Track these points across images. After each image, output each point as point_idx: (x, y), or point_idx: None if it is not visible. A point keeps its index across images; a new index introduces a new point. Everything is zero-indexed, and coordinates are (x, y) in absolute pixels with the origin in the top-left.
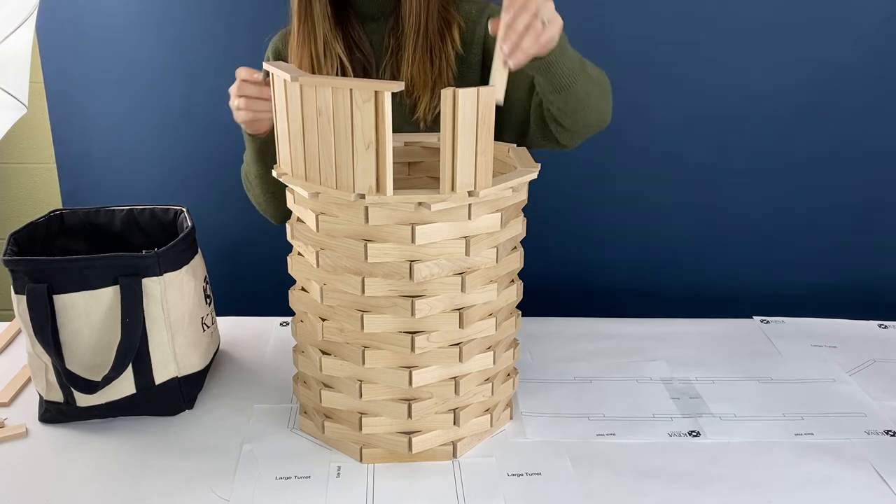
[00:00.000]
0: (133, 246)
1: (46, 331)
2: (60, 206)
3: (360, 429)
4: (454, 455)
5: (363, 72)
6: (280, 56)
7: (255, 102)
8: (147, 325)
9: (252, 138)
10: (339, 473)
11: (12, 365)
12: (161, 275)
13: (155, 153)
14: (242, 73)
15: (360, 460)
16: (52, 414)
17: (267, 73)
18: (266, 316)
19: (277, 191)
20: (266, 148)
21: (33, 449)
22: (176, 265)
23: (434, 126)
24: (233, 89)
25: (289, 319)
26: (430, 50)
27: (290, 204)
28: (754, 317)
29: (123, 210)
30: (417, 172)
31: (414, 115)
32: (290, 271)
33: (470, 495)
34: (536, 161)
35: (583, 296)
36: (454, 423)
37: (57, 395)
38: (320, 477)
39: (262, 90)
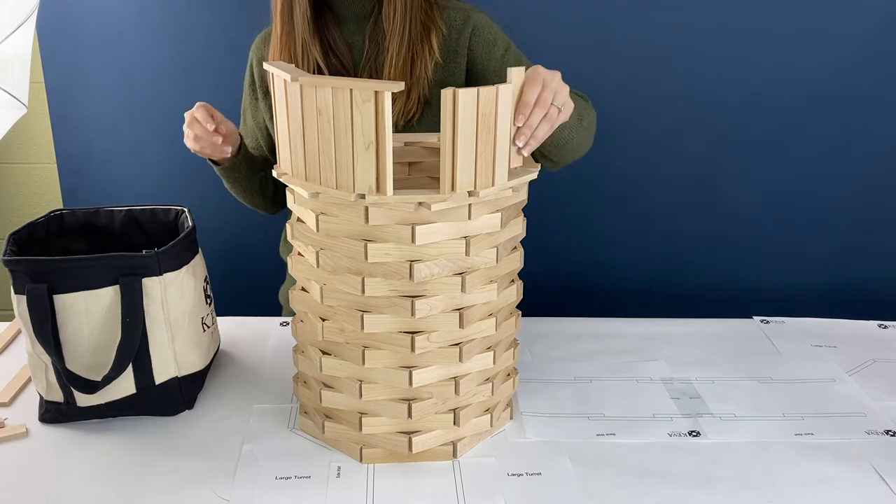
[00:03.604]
0: (133, 246)
1: (46, 331)
2: (60, 206)
3: (360, 429)
4: (454, 455)
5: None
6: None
7: (200, 139)
8: (147, 324)
9: (212, 162)
10: (339, 473)
11: (12, 365)
12: (161, 275)
13: (155, 153)
14: (199, 113)
15: (360, 460)
16: (52, 414)
17: (216, 125)
18: (266, 316)
19: (249, 200)
20: (228, 174)
21: (33, 449)
22: (176, 265)
23: (405, 130)
24: (187, 117)
25: (289, 319)
26: (411, 56)
27: (290, 204)
28: (754, 317)
29: (123, 210)
30: (417, 172)
31: None
32: (290, 271)
33: (470, 495)
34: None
35: (583, 296)
36: (454, 423)
37: (57, 395)
38: (320, 477)
39: (209, 133)
